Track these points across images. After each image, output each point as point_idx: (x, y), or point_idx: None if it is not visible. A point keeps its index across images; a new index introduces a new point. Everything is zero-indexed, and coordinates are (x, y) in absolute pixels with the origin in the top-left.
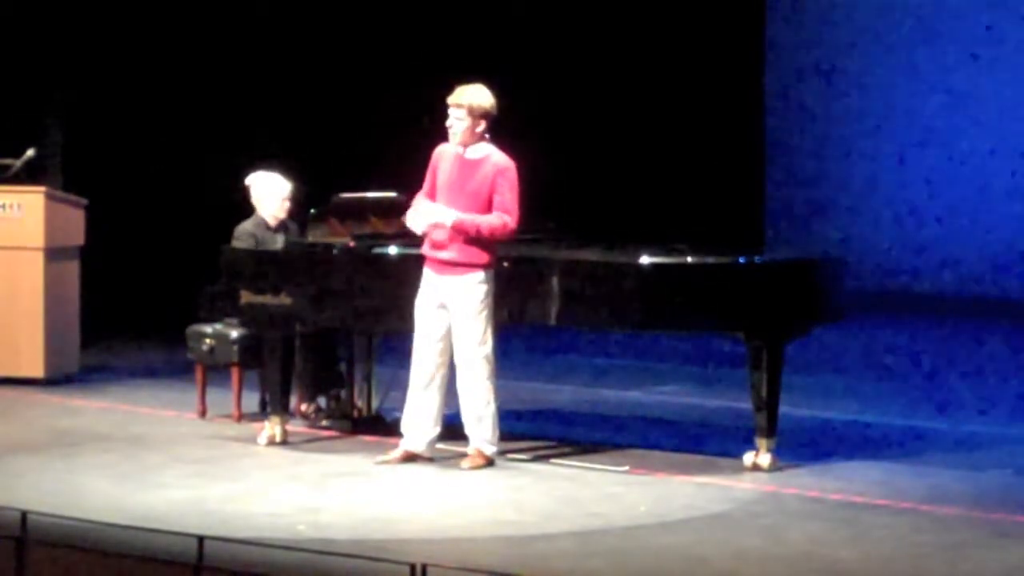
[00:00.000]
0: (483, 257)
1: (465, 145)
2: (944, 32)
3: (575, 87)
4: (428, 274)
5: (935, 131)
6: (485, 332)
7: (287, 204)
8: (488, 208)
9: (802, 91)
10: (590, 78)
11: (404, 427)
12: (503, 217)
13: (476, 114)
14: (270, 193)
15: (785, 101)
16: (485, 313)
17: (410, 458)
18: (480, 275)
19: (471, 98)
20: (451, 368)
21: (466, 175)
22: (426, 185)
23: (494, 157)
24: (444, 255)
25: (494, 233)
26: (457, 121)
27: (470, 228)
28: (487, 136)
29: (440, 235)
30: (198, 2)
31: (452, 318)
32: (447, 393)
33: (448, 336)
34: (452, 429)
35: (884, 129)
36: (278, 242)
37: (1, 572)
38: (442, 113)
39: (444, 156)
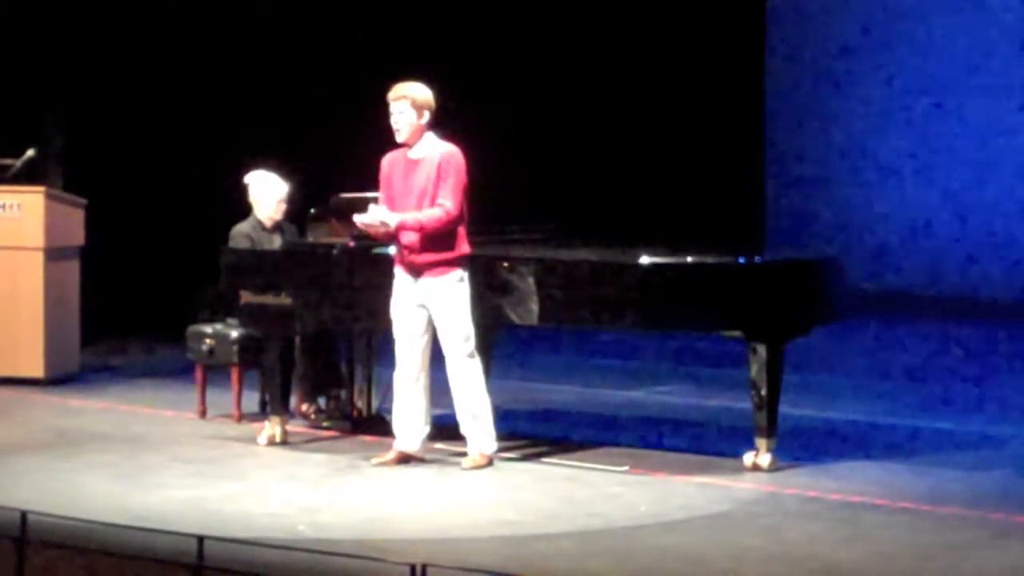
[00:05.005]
0: (454, 253)
1: (411, 143)
2: (945, 33)
3: (576, 87)
4: (402, 275)
5: (936, 131)
6: (469, 329)
7: (283, 206)
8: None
9: (802, 91)
10: (592, 78)
11: (395, 429)
12: (444, 206)
13: (418, 105)
14: (267, 195)
15: (785, 102)
16: (467, 310)
17: (404, 459)
18: (457, 273)
19: (411, 91)
20: (433, 366)
21: (412, 175)
22: (382, 196)
23: (438, 149)
24: (416, 257)
25: (437, 225)
26: (400, 115)
27: (413, 226)
28: (431, 131)
29: (409, 237)
30: (197, 3)
31: (436, 320)
32: (434, 393)
33: (428, 333)
34: (450, 429)
35: (885, 129)
36: (274, 243)
37: (1, 572)
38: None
39: (393, 163)
